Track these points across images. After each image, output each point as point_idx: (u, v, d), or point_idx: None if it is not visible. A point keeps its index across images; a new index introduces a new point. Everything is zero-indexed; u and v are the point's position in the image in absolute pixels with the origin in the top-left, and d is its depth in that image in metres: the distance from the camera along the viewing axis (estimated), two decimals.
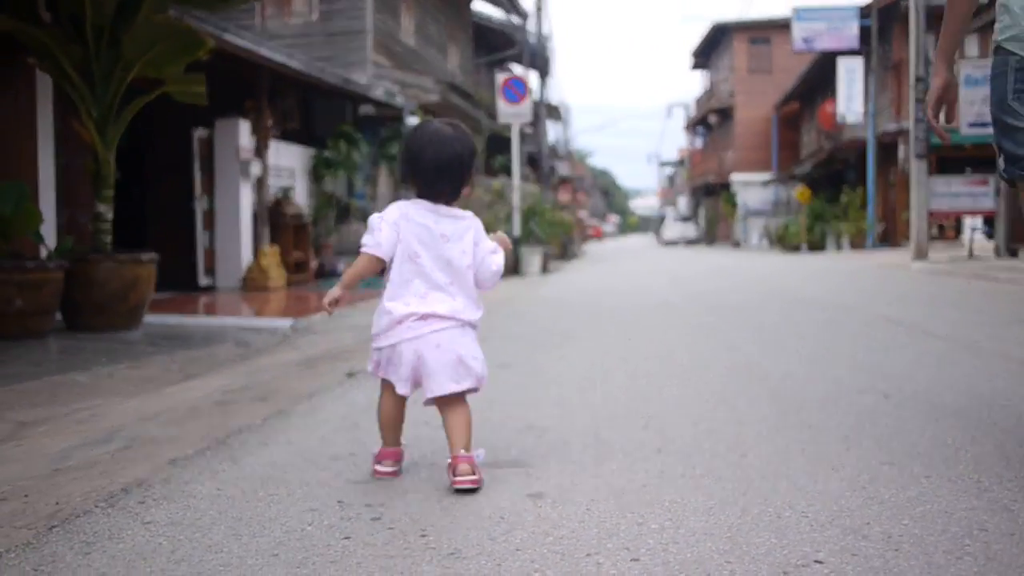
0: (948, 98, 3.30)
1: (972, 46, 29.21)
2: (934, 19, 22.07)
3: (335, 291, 2.79)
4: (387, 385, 2.83)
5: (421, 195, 2.83)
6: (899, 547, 2.06)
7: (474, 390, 2.85)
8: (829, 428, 3.26)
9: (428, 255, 2.78)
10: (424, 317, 2.75)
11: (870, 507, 2.35)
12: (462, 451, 2.68)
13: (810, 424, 3.34)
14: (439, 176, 2.79)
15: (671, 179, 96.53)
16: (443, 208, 2.81)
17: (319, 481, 2.72)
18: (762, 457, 2.88)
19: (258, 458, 3.04)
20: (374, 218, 2.82)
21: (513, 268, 17.59)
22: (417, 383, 2.80)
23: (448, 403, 2.77)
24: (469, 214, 2.88)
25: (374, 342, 2.81)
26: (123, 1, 7.40)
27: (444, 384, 2.74)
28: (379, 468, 2.82)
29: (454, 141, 2.80)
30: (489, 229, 2.96)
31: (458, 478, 2.61)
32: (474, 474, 2.63)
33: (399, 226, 2.77)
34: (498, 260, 2.90)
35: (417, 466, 2.87)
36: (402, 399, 2.84)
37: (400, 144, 3.02)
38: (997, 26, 3.02)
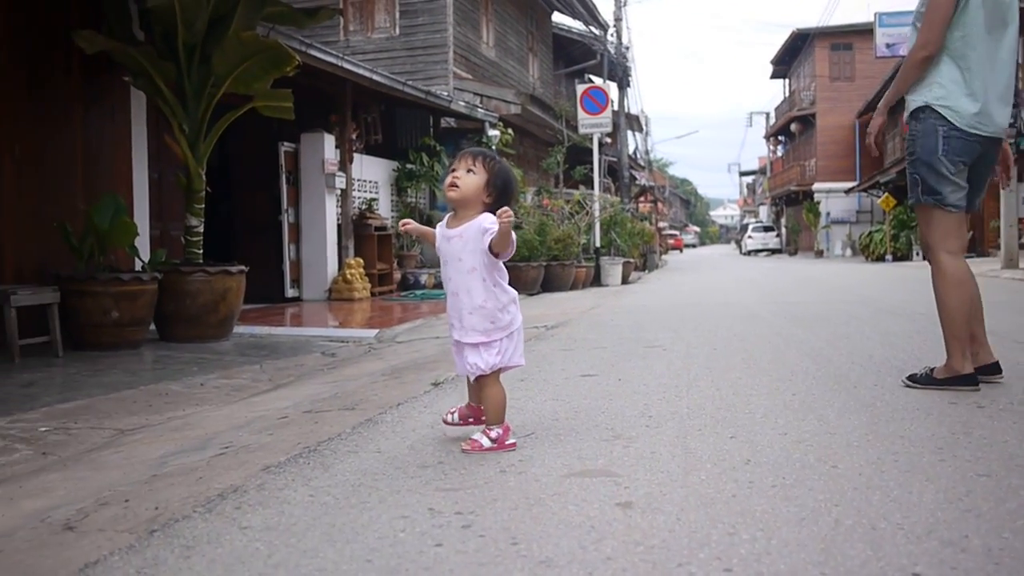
0: (880, 137, 4.52)
1: None
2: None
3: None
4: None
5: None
6: (1000, 561, 2.02)
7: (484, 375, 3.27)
8: (922, 439, 3.21)
9: (450, 275, 3.30)
10: (457, 331, 3.32)
11: (968, 519, 2.31)
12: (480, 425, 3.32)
13: (902, 435, 3.28)
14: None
15: (752, 188, 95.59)
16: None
17: (409, 489, 2.76)
18: (854, 468, 2.84)
19: (349, 465, 3.08)
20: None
21: (594, 278, 17.56)
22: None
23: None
24: (483, 215, 3.25)
25: (511, 327, 3.27)
26: (213, 19, 7.60)
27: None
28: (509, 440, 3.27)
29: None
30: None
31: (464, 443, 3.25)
32: (471, 446, 3.20)
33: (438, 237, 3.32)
34: (494, 235, 3.18)
35: (505, 474, 2.89)
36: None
37: (503, 177, 3.26)
38: (930, 91, 4.09)
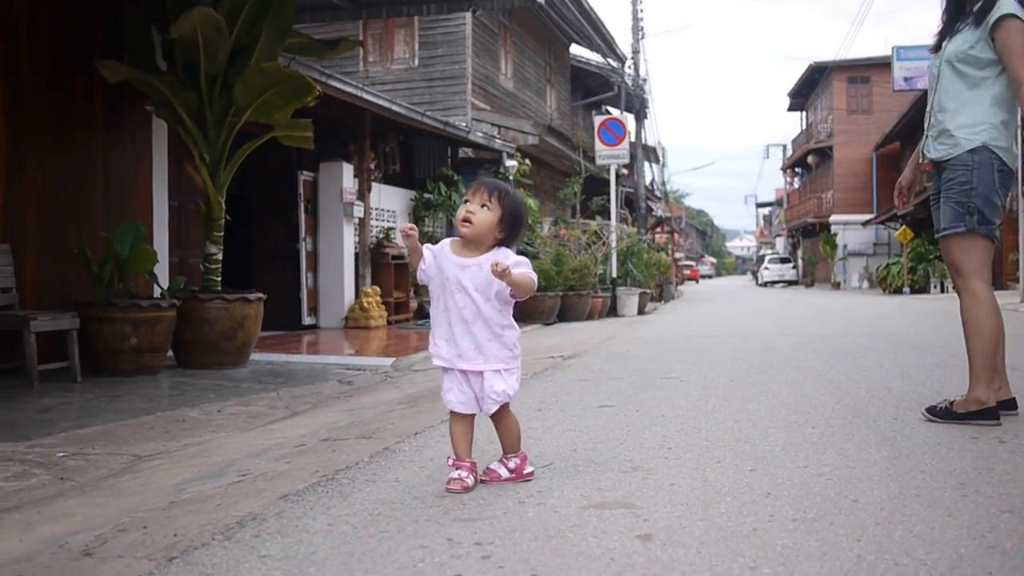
0: (910, 190, 4.88)
1: None
2: None
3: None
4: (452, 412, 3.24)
5: (509, 245, 3.24)
6: None
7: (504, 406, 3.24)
8: (944, 473, 3.18)
9: (452, 297, 3.19)
10: (459, 356, 3.19)
11: (992, 556, 2.29)
12: (511, 453, 3.28)
13: (923, 469, 3.26)
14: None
15: (768, 220, 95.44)
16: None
17: (428, 518, 2.75)
18: (875, 502, 2.82)
19: (367, 495, 3.08)
20: (425, 248, 3.27)
21: (611, 309, 17.55)
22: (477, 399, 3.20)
23: (495, 416, 3.25)
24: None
25: (518, 353, 3.25)
26: (236, 50, 7.67)
27: (488, 407, 3.20)
28: (450, 484, 3.12)
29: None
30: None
31: (491, 469, 3.25)
32: (509, 472, 3.23)
33: (433, 261, 3.22)
34: (523, 271, 3.15)
35: (524, 505, 2.88)
36: (466, 419, 3.25)
37: (515, 211, 3.30)
38: (985, 133, 4.29)
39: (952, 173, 4.36)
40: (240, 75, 7.74)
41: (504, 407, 3.21)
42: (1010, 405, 4.36)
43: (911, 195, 4.89)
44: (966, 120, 4.33)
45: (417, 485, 3.21)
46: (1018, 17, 4.20)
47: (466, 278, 3.15)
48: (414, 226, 3.25)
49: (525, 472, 3.23)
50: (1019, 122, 4.60)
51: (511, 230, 3.21)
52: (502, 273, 2.99)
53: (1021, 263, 18.81)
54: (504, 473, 3.21)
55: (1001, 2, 4.25)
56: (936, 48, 4.59)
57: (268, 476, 3.52)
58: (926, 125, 4.56)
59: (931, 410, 4.35)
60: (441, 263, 3.20)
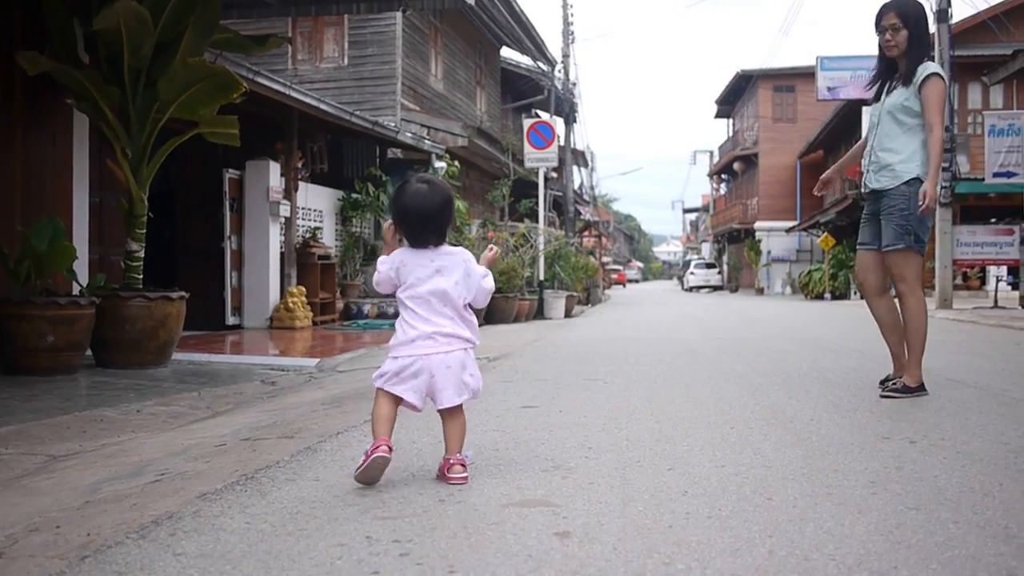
0: (828, 183, 6.45)
1: (997, 97, 29.23)
2: (957, 70, 22.15)
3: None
4: (384, 394, 3.27)
5: (411, 244, 3.36)
6: None
7: (470, 399, 3.33)
8: (855, 472, 3.26)
9: (427, 287, 3.29)
10: (433, 336, 3.26)
11: (898, 551, 2.35)
12: (456, 454, 3.25)
13: (836, 468, 3.33)
14: (423, 228, 3.33)
15: (695, 225, 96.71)
16: (437, 250, 3.35)
17: (347, 517, 2.74)
18: (788, 500, 2.89)
19: (286, 493, 3.06)
20: (380, 261, 3.40)
21: (537, 311, 17.61)
22: (428, 395, 3.27)
23: (450, 412, 3.28)
24: (460, 249, 3.43)
25: (392, 352, 3.30)
26: (160, 44, 7.56)
27: (451, 398, 3.25)
28: (376, 453, 3.09)
29: (431, 197, 3.32)
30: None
31: (452, 475, 3.18)
32: (464, 473, 3.21)
33: (401, 268, 3.33)
34: (489, 282, 3.41)
35: (444, 504, 2.89)
36: (395, 403, 3.27)
37: (390, 202, 3.51)
38: (919, 167, 5.30)
39: (892, 200, 5.34)
40: (165, 70, 7.62)
41: (459, 406, 3.29)
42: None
43: (828, 188, 6.12)
44: (903, 157, 5.33)
45: (338, 484, 3.20)
46: (940, 76, 5.32)
47: (435, 267, 3.35)
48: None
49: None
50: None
51: (402, 230, 3.37)
52: None
53: (937, 272, 19.29)
54: (462, 472, 3.21)
55: (928, 64, 5.34)
56: (875, 99, 5.63)
57: (186, 476, 3.48)
58: (866, 162, 5.56)
59: (892, 390, 5.29)
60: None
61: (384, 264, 3.36)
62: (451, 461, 3.22)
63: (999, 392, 5.50)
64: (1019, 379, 6.26)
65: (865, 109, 31.39)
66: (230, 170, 12.58)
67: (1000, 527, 2.56)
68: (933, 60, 5.45)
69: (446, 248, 3.37)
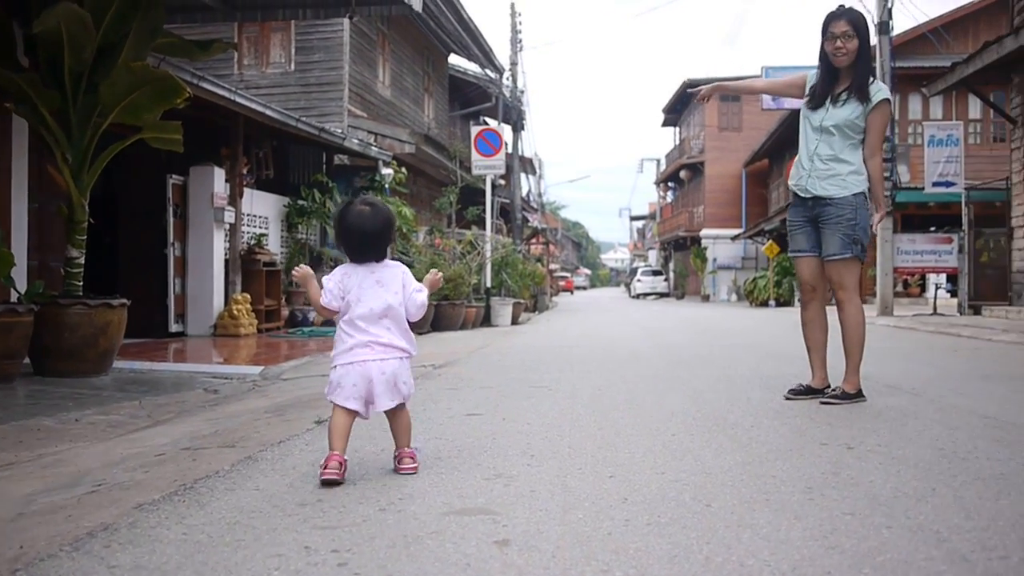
0: (707, 93, 6.13)
1: (937, 108, 29.77)
2: (898, 81, 22.54)
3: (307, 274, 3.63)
4: (338, 407, 3.46)
5: (352, 261, 3.59)
6: None
7: (404, 403, 3.56)
8: (793, 478, 3.31)
9: (369, 298, 3.51)
10: (369, 345, 3.47)
11: (831, 556, 2.38)
12: (405, 447, 3.54)
13: (774, 474, 3.38)
14: (364, 248, 3.57)
15: (642, 233, 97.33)
16: (376, 264, 3.58)
17: (286, 527, 2.73)
18: (727, 506, 2.92)
19: (225, 503, 3.04)
20: (325, 279, 3.59)
21: (484, 319, 17.62)
22: (367, 401, 3.48)
23: (392, 412, 3.55)
24: (398, 264, 3.65)
25: (333, 361, 3.54)
26: (102, 47, 7.47)
27: (386, 403, 3.49)
28: (326, 472, 3.29)
29: (371, 220, 3.55)
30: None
31: (402, 466, 3.46)
32: (414, 463, 3.49)
33: (344, 282, 3.54)
34: (422, 296, 3.62)
35: (384, 512, 2.88)
36: (351, 416, 3.47)
37: (333, 222, 3.89)
38: (864, 183, 5.44)
39: (840, 210, 5.41)
40: (107, 74, 7.53)
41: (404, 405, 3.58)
42: (821, 392, 5.53)
43: (706, 97, 6.23)
44: (853, 169, 5.42)
45: (278, 493, 3.18)
46: (890, 102, 5.48)
47: (376, 279, 3.59)
48: (304, 267, 3.66)
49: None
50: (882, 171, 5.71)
51: (345, 248, 3.65)
52: None
53: (878, 279, 19.59)
54: (412, 463, 3.49)
55: (882, 86, 5.45)
56: (818, 105, 5.55)
57: (124, 486, 3.44)
58: (808, 166, 5.56)
59: (833, 397, 5.36)
60: None
61: (331, 280, 3.56)
62: (400, 454, 3.51)
63: (935, 398, 5.60)
64: (954, 385, 6.38)
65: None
66: (174, 176, 12.45)
67: (932, 532, 2.61)
68: (874, 74, 5.53)
69: (385, 262, 3.60)
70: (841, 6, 5.54)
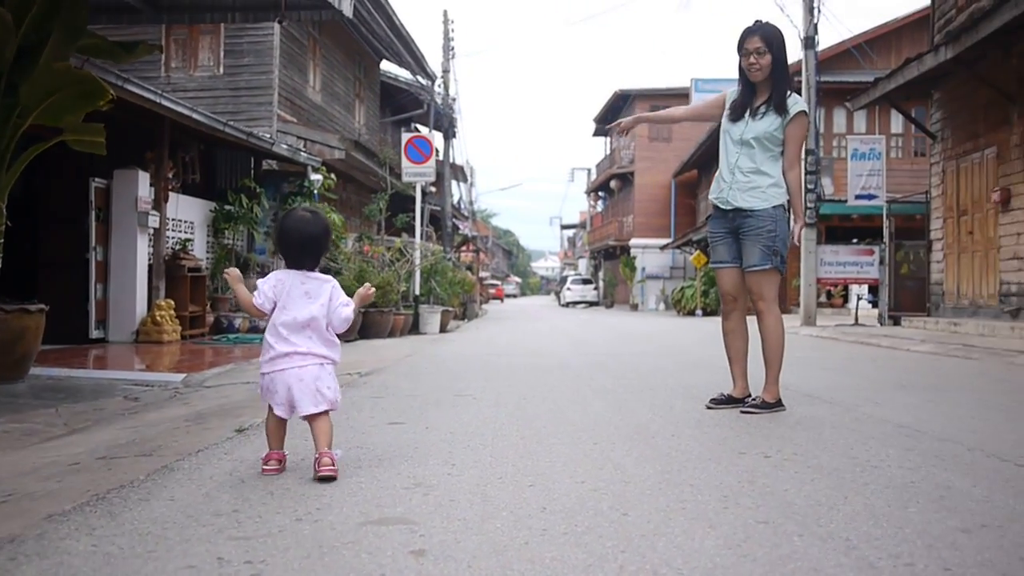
0: (627, 125, 6.44)
1: (861, 122, 30.40)
2: (823, 95, 22.98)
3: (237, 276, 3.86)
4: (270, 407, 3.73)
5: (289, 266, 3.79)
6: None
7: (330, 411, 3.72)
8: (710, 487, 3.35)
9: (295, 307, 3.72)
10: (289, 355, 3.67)
11: (743, 564, 2.42)
12: (324, 448, 3.60)
13: (692, 483, 3.42)
14: (302, 252, 3.79)
15: (572, 241, 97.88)
16: (309, 274, 3.79)
17: (200, 537, 2.69)
18: (644, 515, 2.94)
19: (138, 514, 2.99)
20: (260, 282, 3.76)
21: (413, 326, 17.56)
22: (291, 406, 3.67)
23: (314, 417, 3.67)
24: (329, 278, 3.83)
25: (260, 369, 3.75)
26: (23, 48, 7.31)
27: (308, 407, 3.65)
28: (265, 467, 3.66)
29: (312, 225, 3.81)
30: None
31: (321, 469, 3.51)
32: (333, 466, 3.54)
33: (277, 286, 3.74)
34: (347, 311, 3.80)
35: (300, 522, 2.86)
36: (283, 418, 3.72)
37: (274, 227, 4.35)
38: (784, 195, 5.55)
39: (760, 222, 5.50)
40: (27, 75, 7.36)
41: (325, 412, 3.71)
42: (742, 401, 5.62)
43: (625, 130, 6.46)
44: (773, 182, 5.52)
45: (193, 504, 3.13)
46: (807, 114, 5.57)
47: (305, 290, 3.80)
48: (234, 269, 3.93)
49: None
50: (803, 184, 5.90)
51: (283, 251, 3.85)
52: None
53: (802, 290, 19.93)
54: (330, 465, 3.55)
55: (798, 99, 5.57)
56: (738, 118, 5.65)
57: (35, 496, 3.36)
58: (728, 178, 5.64)
59: (752, 407, 5.43)
60: None
61: (265, 283, 3.75)
62: (319, 456, 3.57)
63: (852, 407, 5.71)
64: (871, 395, 6.51)
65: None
66: (97, 179, 12.21)
67: (842, 539, 2.66)
68: (794, 87, 5.64)
69: (316, 274, 3.80)
70: (757, 21, 5.64)
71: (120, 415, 6.03)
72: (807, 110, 5.61)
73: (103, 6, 9.55)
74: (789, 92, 5.58)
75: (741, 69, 5.62)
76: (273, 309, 3.73)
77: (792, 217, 5.64)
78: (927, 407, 5.81)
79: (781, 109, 5.51)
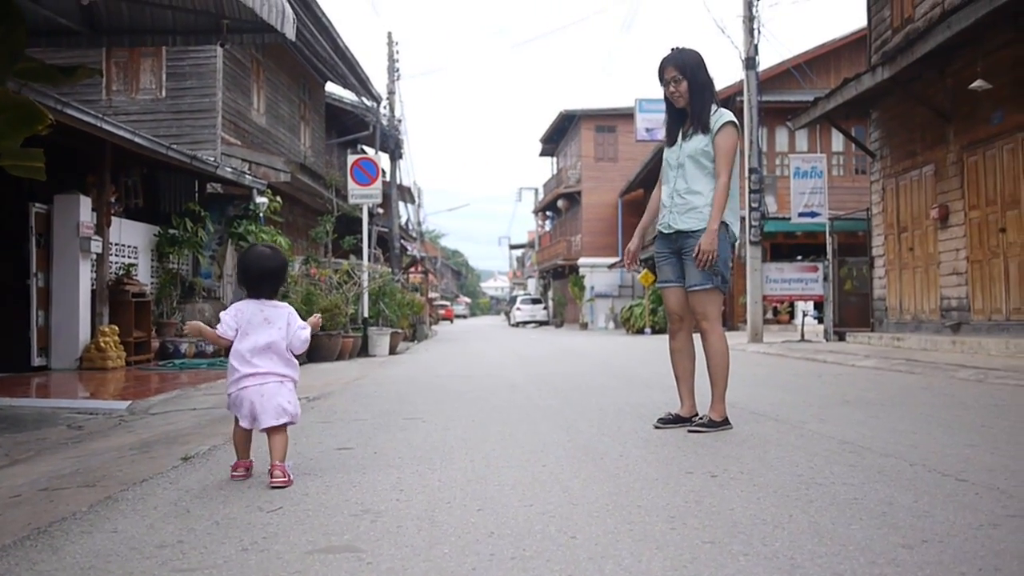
0: (636, 253, 6.26)
1: (803, 140, 30.85)
2: (766, 115, 23.29)
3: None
4: (236, 419, 4.15)
5: (250, 296, 4.24)
6: None
7: (291, 423, 4.14)
8: (657, 508, 3.37)
9: (256, 333, 4.14)
10: (253, 375, 4.08)
11: None
12: (278, 461, 3.96)
13: (639, 504, 3.43)
14: (261, 283, 4.25)
15: (521, 261, 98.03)
16: (266, 302, 4.23)
17: (143, 570, 2.66)
18: (591, 538, 2.95)
19: (81, 547, 2.94)
20: (222, 314, 4.19)
21: (362, 349, 17.47)
22: (253, 419, 4.06)
23: (272, 431, 4.05)
24: (285, 304, 4.29)
25: (227, 389, 4.17)
26: None
27: (269, 420, 4.05)
28: (234, 473, 4.15)
29: (271, 260, 4.29)
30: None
31: (274, 480, 3.88)
32: (285, 476, 3.91)
33: (238, 315, 4.16)
34: (305, 333, 4.25)
35: (247, 552, 2.83)
36: (248, 429, 4.16)
37: (236, 261, 4.99)
38: (725, 214, 5.53)
39: (698, 241, 5.52)
40: None
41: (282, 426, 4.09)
42: (689, 420, 5.69)
43: (637, 259, 6.30)
44: (708, 202, 5.57)
45: (137, 535, 3.09)
46: (734, 125, 5.61)
47: (265, 317, 4.23)
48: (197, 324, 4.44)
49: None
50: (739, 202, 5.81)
51: (245, 282, 4.28)
52: None
53: (749, 307, 20.14)
54: (282, 476, 3.90)
55: (724, 112, 5.64)
56: (672, 143, 5.80)
57: None
58: (669, 203, 5.76)
59: (699, 426, 5.48)
60: None
61: (227, 314, 4.17)
62: (272, 468, 3.93)
63: (797, 424, 5.78)
64: (817, 411, 6.58)
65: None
66: (37, 204, 12.05)
67: (786, 558, 2.69)
68: (719, 105, 5.74)
69: (273, 302, 4.25)
70: (673, 49, 5.76)
71: (63, 444, 5.94)
72: (734, 120, 5.67)
73: (42, 29, 9.44)
74: (714, 108, 5.68)
75: (665, 97, 5.79)
76: (235, 336, 4.13)
77: (731, 235, 5.66)
78: (871, 423, 5.89)
79: (705, 127, 5.62)
